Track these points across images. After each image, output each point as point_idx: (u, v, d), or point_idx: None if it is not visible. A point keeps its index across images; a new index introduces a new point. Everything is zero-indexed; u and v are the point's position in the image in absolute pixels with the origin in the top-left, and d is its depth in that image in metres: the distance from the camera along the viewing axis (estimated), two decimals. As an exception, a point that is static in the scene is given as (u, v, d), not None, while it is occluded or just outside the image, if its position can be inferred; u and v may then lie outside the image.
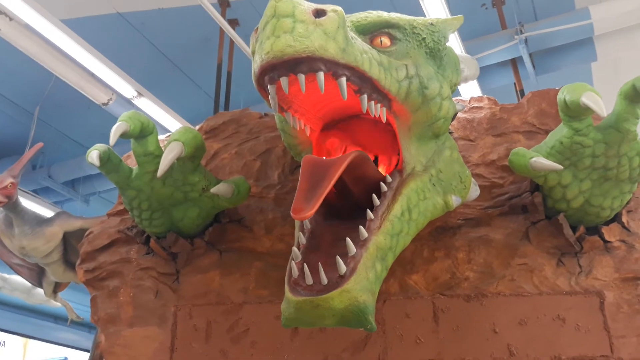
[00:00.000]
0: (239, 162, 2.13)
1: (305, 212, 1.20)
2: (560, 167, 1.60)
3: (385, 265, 1.33)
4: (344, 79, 1.25)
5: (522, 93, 4.48)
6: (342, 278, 1.21)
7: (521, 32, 4.80)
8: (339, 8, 1.26)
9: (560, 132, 1.68)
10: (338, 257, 1.22)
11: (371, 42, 1.42)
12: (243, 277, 1.92)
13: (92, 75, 4.95)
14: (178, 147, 1.66)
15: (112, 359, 1.85)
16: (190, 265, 1.97)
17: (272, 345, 1.80)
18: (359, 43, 1.32)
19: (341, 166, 1.27)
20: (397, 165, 1.55)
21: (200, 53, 5.62)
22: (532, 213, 1.86)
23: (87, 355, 4.33)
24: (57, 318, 13.50)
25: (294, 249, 1.31)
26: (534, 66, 5.05)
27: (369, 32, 1.43)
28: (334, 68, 1.22)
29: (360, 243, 1.28)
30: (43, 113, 6.71)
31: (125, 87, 5.17)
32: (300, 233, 1.37)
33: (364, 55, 1.30)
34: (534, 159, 1.63)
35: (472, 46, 4.89)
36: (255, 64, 1.24)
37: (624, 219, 1.82)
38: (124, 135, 1.68)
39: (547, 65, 5.31)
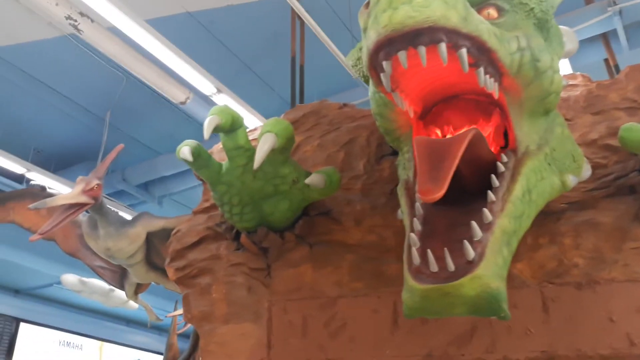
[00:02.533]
0: (322, 154, 2.08)
1: (435, 192, 1.14)
2: None
3: (511, 249, 1.25)
4: (464, 50, 1.17)
5: (617, 68, 4.26)
6: (471, 264, 1.14)
7: (615, 3, 4.56)
8: None
9: (677, 104, 1.56)
10: (466, 241, 1.15)
11: (478, 13, 1.34)
12: (336, 270, 1.87)
13: (171, 74, 5.02)
14: (272, 138, 1.62)
15: (209, 358, 1.83)
16: (281, 260, 1.93)
17: (371, 340, 1.74)
18: (473, 12, 1.24)
19: (463, 144, 1.20)
20: (505, 145, 1.46)
21: (270, 49, 5.64)
22: (643, 193, 1.74)
23: (159, 357, 4.39)
24: (129, 321, 13.96)
25: (412, 234, 1.24)
26: (627, 39, 4.78)
27: (475, 4, 1.35)
28: (455, 39, 1.15)
29: (485, 227, 1.21)
30: (114, 118, 6.89)
31: (204, 85, 5.19)
32: (415, 219, 1.30)
33: (482, 24, 1.22)
34: None
35: (562, 22, 4.66)
36: (369, 40, 1.17)
37: None
38: (216, 129, 1.65)
39: None
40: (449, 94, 1.50)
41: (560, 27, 1.69)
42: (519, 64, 1.33)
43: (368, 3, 1.22)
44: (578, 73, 2.06)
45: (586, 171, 1.64)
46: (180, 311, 4.78)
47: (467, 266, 1.14)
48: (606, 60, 4.63)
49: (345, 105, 2.20)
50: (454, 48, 1.16)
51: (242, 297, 1.92)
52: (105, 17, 4.42)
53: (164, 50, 4.60)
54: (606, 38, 4.83)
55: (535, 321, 1.67)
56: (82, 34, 4.59)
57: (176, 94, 5.17)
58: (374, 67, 1.23)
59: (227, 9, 5.19)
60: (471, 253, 1.15)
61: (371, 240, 1.88)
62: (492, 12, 1.38)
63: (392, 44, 1.14)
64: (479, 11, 1.36)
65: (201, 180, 2.17)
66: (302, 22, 3.78)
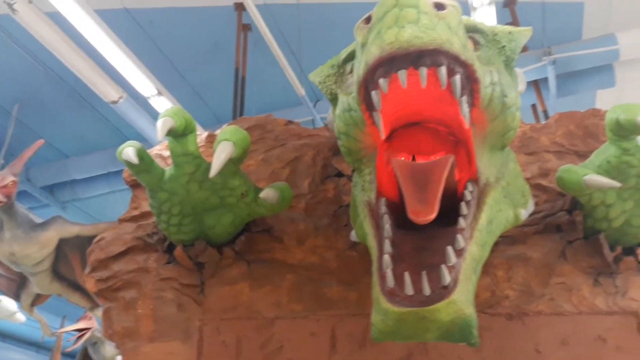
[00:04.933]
0: (267, 169, 2.03)
1: (427, 214, 1.14)
2: (618, 184, 1.61)
3: (477, 277, 1.27)
4: (458, 77, 1.20)
5: (546, 114, 4.58)
6: (446, 289, 1.14)
7: (550, 54, 4.93)
8: (456, 3, 1.21)
9: (607, 151, 1.70)
10: (443, 266, 1.15)
11: None
12: (275, 290, 1.82)
13: (106, 71, 4.68)
14: (230, 147, 1.56)
15: (132, 378, 1.69)
16: (217, 277, 1.85)
17: (309, 364, 1.70)
18: (468, 40, 1.27)
19: (445, 168, 1.22)
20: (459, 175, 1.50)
21: (208, 59, 5.44)
22: (568, 232, 1.86)
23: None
24: (5, 337, 12.60)
25: (385, 256, 1.23)
26: (557, 88, 5.16)
27: None
28: (453, 64, 1.17)
29: (457, 252, 1.22)
30: (22, 112, 6.31)
31: (144, 85, 4.87)
32: (387, 240, 1.29)
33: (474, 54, 1.26)
34: (588, 176, 1.63)
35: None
36: (370, 56, 1.16)
37: (659, 240, 1.85)
38: (168, 132, 1.56)
39: (567, 89, 5.42)
40: (413, 120, 1.52)
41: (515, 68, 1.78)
42: (490, 97, 1.38)
43: (368, 18, 1.21)
44: (513, 114, 2.19)
45: (531, 206, 1.73)
46: (70, 327, 4.42)
47: (442, 291, 1.15)
48: (533, 105, 4.98)
49: (291, 122, 2.17)
50: (450, 74, 1.18)
51: (171, 315, 1.80)
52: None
53: (105, 45, 4.29)
54: (537, 85, 5.21)
55: (468, 349, 1.72)
56: (16, 14, 4.18)
57: (109, 92, 4.84)
58: (366, 84, 1.22)
59: (168, 10, 4.96)
60: (447, 278, 1.15)
61: (313, 261, 1.86)
62: (470, 45, 1.43)
63: (393, 62, 1.14)
64: None
65: (131, 185, 2.04)
66: (246, 35, 3.73)
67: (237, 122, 2.15)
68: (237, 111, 3.45)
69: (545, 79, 5.19)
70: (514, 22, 5.15)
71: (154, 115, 5.09)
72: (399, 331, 1.16)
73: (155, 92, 4.81)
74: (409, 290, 1.15)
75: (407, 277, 1.15)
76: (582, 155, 1.97)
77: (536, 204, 1.95)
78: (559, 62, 5.03)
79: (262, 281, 1.83)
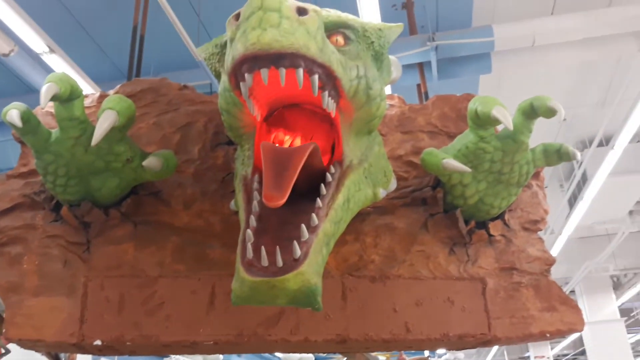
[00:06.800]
0: (157, 133, 2.09)
1: (278, 199, 1.28)
2: (468, 169, 1.82)
3: (329, 249, 1.44)
4: (316, 77, 1.33)
5: (427, 95, 4.85)
6: (296, 261, 1.30)
7: (433, 40, 5.23)
8: (317, 8, 1.33)
9: (466, 138, 1.90)
10: (295, 241, 1.31)
11: (328, 39, 1.50)
12: (159, 251, 1.92)
13: None
14: (113, 115, 1.62)
15: (14, 330, 1.76)
16: (103, 236, 1.92)
17: (187, 319, 1.84)
18: (328, 42, 1.40)
19: (304, 156, 1.36)
20: (332, 157, 1.66)
21: (109, 12, 5.21)
22: (431, 206, 2.08)
23: None
24: None
25: (248, 231, 1.37)
26: (437, 71, 5.51)
27: (328, 30, 1.50)
28: (311, 66, 1.31)
29: (311, 229, 1.38)
30: None
31: (35, 41, 4.64)
32: (252, 216, 1.42)
33: (333, 55, 1.38)
34: (445, 160, 1.83)
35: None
36: (236, 52, 1.27)
37: (506, 217, 2.11)
38: (53, 98, 1.59)
39: (449, 72, 5.79)
40: (291, 102, 1.65)
41: (390, 56, 1.93)
42: (355, 89, 1.53)
43: (238, 15, 1.31)
44: (395, 95, 2.36)
45: (393, 185, 1.91)
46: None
47: (293, 263, 1.30)
48: (418, 85, 5.32)
49: (185, 87, 2.22)
50: (308, 73, 1.31)
51: (57, 271, 1.87)
52: None
53: None
54: (421, 67, 5.58)
55: (335, 308, 1.92)
56: None
57: None
58: (235, 75, 1.32)
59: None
60: (298, 252, 1.31)
61: (198, 224, 1.97)
62: (340, 39, 1.55)
63: (257, 60, 1.26)
64: (330, 36, 1.51)
65: (20, 142, 2.04)
66: (149, -8, 3.66)
67: (130, 84, 2.18)
68: (134, 71, 3.42)
69: (429, 63, 5.52)
70: (408, 4, 5.42)
71: (49, 70, 4.91)
72: (253, 297, 1.31)
73: (47, 49, 4.62)
74: (265, 261, 1.29)
75: (263, 250, 1.29)
76: (453, 136, 2.16)
77: (406, 179, 2.16)
78: (440, 48, 5.40)
79: (147, 242, 1.93)
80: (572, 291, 15.31)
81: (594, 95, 8.68)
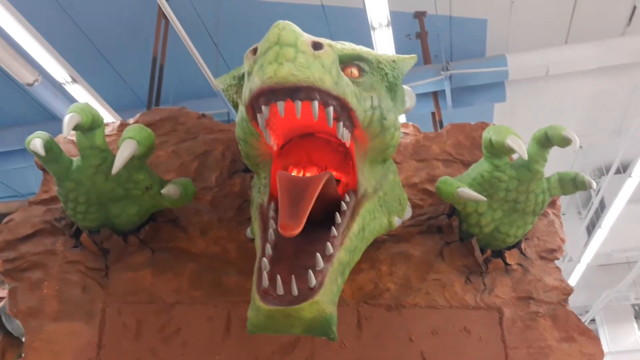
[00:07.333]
0: (176, 161, 2.14)
1: (294, 229, 1.30)
2: (483, 198, 1.82)
3: (344, 278, 1.45)
4: (331, 109, 1.37)
5: (441, 123, 4.90)
6: (312, 290, 1.31)
7: (447, 69, 5.32)
8: (332, 42, 1.36)
9: (481, 167, 1.91)
10: (310, 270, 1.32)
11: (342, 71, 1.53)
12: (176, 277, 1.94)
13: (21, 54, 4.51)
14: (133, 145, 1.66)
15: (33, 355, 1.78)
16: (121, 262, 1.95)
17: (204, 346, 1.85)
18: (342, 75, 1.43)
19: (319, 186, 1.38)
20: (347, 185, 1.68)
21: (129, 42, 5.36)
22: (447, 234, 2.08)
23: None
24: None
25: (264, 259, 1.38)
26: (452, 100, 5.59)
27: (342, 62, 1.54)
28: (326, 98, 1.34)
29: (326, 258, 1.39)
30: None
31: (58, 71, 4.79)
32: (268, 244, 1.44)
33: (347, 87, 1.42)
34: (460, 188, 1.84)
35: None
36: (254, 85, 1.31)
37: (523, 245, 2.10)
38: (75, 127, 1.64)
39: (463, 101, 5.84)
40: (306, 132, 1.68)
41: (404, 86, 1.96)
42: (369, 120, 1.56)
43: (255, 50, 1.35)
44: (410, 123, 2.38)
45: (408, 213, 1.92)
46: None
47: (308, 292, 1.32)
48: (433, 113, 5.38)
49: (204, 115, 2.27)
50: (323, 105, 1.35)
51: (76, 296, 1.90)
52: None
53: (15, 25, 4.15)
54: (436, 95, 5.66)
55: (350, 336, 1.92)
56: None
57: (24, 75, 4.70)
58: (253, 107, 1.36)
59: (91, -7, 4.86)
60: (313, 281, 1.32)
61: (214, 251, 1.99)
62: (355, 71, 1.59)
63: (273, 93, 1.30)
64: (344, 68, 1.55)
65: (42, 169, 2.09)
66: (167, 22, 3.74)
67: (150, 113, 2.23)
68: (153, 99, 3.49)
69: (443, 92, 5.59)
70: (422, 34, 5.52)
71: (71, 99, 5.04)
72: (269, 325, 1.32)
73: (70, 79, 4.76)
74: (280, 290, 1.31)
75: (278, 279, 1.31)
76: (467, 165, 2.17)
77: (422, 206, 2.16)
78: (454, 77, 5.47)
79: (165, 268, 1.95)
80: (593, 320, 15.01)
81: (610, 123, 8.66)
